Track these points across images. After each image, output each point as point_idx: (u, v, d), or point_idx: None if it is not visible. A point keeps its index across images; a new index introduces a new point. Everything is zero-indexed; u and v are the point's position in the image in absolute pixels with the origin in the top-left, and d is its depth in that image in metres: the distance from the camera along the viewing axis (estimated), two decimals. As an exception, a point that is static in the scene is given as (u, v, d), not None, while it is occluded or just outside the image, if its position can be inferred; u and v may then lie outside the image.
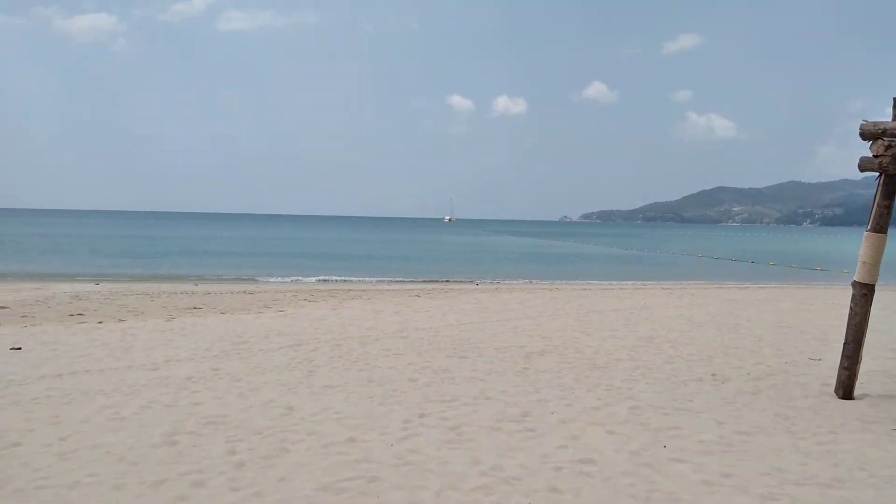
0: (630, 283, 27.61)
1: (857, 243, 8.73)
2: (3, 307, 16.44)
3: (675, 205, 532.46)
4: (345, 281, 27.63)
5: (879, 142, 7.87)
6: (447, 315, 15.06)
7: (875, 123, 7.95)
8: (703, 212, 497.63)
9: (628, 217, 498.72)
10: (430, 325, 13.41)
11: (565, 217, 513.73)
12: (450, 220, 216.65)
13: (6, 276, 27.86)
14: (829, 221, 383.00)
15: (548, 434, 6.52)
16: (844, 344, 8.23)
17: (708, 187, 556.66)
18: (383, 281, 27.64)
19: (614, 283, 27.54)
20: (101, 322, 14.09)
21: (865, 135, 8.01)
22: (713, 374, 9.31)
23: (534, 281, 28.31)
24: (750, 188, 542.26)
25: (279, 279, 28.17)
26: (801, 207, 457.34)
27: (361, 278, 29.00)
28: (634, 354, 10.61)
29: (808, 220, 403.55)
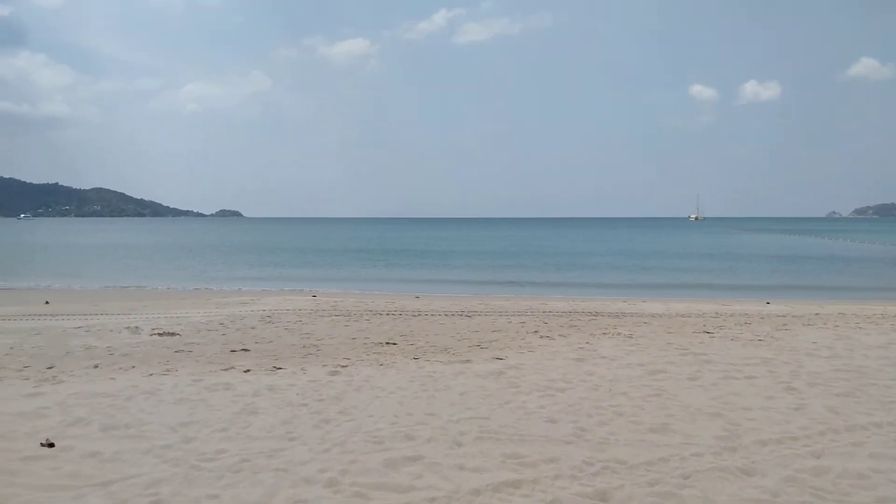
0: None
1: None
2: (173, 334, 13.15)
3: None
4: (586, 298, 21.43)
5: None
6: (798, 385, 8.11)
7: None
8: None
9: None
10: (788, 427, 6.62)
11: (834, 213, 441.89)
12: (696, 218, 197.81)
13: (235, 283, 26.97)
14: None
15: None
16: None
17: None
18: (634, 300, 20.92)
19: None
20: (248, 371, 9.70)
21: None
22: None
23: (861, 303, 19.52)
24: None
25: (510, 294, 23.01)
26: None
27: (609, 296, 22.62)
28: None
29: None
